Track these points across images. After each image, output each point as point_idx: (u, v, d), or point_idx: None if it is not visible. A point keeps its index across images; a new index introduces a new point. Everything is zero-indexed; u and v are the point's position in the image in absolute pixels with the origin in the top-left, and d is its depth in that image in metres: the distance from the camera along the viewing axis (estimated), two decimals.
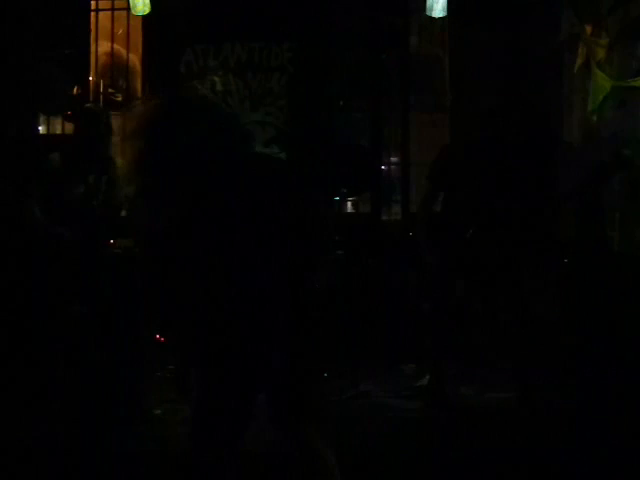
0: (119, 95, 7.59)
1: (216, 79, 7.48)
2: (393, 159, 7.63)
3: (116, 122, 7.33)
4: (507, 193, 5.18)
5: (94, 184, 5.28)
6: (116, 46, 7.60)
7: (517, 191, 5.24)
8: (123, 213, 5.53)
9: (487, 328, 5.63)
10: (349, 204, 7.33)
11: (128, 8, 6.96)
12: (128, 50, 7.59)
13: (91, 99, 7.42)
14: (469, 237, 5.16)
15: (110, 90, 7.57)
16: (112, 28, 7.53)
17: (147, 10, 6.51)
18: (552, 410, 5.10)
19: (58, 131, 7.36)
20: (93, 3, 7.52)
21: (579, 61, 6.65)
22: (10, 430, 4.71)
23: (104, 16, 7.53)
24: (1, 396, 5.13)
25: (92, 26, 7.49)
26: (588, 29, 6.57)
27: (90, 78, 7.56)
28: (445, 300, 5.30)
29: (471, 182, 5.16)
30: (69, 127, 6.83)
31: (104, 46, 7.59)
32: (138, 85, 7.65)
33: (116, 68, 7.63)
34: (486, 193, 5.14)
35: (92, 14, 7.51)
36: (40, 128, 7.47)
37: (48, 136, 7.34)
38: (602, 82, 6.27)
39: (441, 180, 5.34)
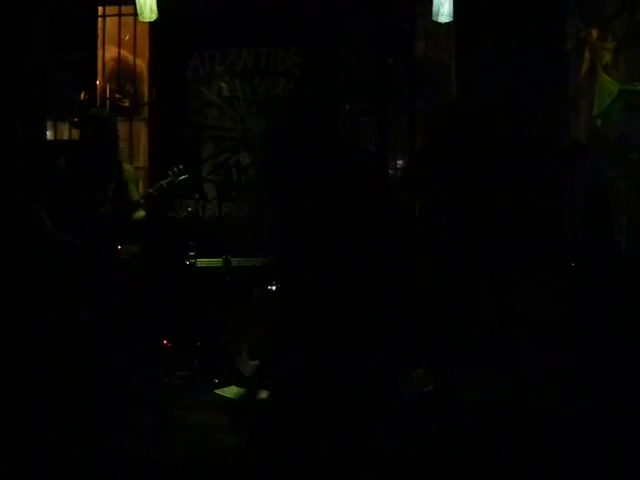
0: (126, 100, 7.60)
1: (223, 84, 7.49)
2: (399, 163, 7.63)
3: (123, 127, 7.41)
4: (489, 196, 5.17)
5: (102, 190, 5.29)
6: (123, 51, 7.60)
7: (511, 192, 5.23)
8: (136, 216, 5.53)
9: (480, 330, 5.61)
10: None
11: (135, 14, 6.97)
12: (135, 55, 7.59)
13: (98, 104, 7.43)
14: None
15: (117, 95, 7.58)
16: (119, 33, 7.54)
17: (154, 17, 6.52)
18: (550, 412, 5.11)
19: (65, 136, 7.39)
20: (100, 9, 7.52)
21: (585, 65, 6.65)
22: (20, 435, 4.73)
23: (111, 22, 7.54)
24: (10, 401, 5.16)
25: (99, 31, 7.50)
26: (594, 33, 6.58)
27: (97, 83, 7.56)
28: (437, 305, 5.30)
29: (445, 186, 5.16)
30: (76, 132, 6.85)
31: (111, 51, 7.59)
32: (145, 90, 7.66)
33: (123, 73, 7.63)
34: (465, 196, 5.12)
35: (99, 20, 7.52)
36: (47, 133, 7.49)
37: (55, 141, 7.36)
38: (609, 86, 6.27)
39: (415, 185, 5.35)
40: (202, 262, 6.42)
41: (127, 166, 5.63)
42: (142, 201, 5.33)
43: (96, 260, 5.16)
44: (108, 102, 7.53)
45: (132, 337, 5.42)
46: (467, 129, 5.25)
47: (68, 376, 5.12)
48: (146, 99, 7.63)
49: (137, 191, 5.56)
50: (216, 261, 6.44)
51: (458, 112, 5.41)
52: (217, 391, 5.98)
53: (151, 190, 5.46)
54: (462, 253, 5.11)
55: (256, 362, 6.01)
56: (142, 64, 7.64)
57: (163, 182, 5.49)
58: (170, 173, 5.52)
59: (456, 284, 5.21)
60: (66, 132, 7.35)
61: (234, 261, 6.43)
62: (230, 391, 5.94)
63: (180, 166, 5.57)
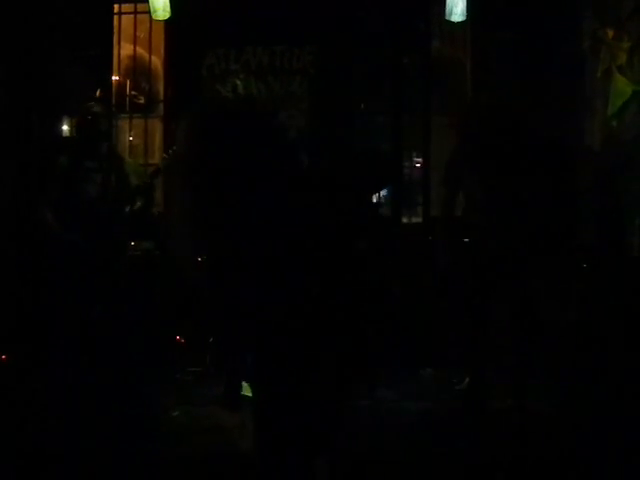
0: (141, 97, 7.64)
1: (238, 82, 7.50)
2: (414, 162, 7.62)
3: (138, 124, 7.46)
4: (517, 193, 5.12)
5: (101, 184, 5.33)
6: (139, 49, 7.64)
7: (527, 192, 5.18)
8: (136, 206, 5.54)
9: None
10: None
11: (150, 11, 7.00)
12: (150, 53, 7.63)
13: (113, 101, 7.49)
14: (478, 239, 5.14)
15: (132, 92, 7.61)
16: (135, 31, 7.58)
17: (167, 15, 6.55)
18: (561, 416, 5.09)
19: None
20: (116, 6, 7.56)
21: (602, 65, 6.60)
22: (24, 432, 4.76)
23: (127, 19, 7.58)
24: (18, 398, 5.21)
25: (115, 29, 7.53)
26: (610, 33, 6.53)
27: (113, 80, 7.60)
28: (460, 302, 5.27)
29: (482, 182, 5.12)
30: None
31: (127, 49, 7.63)
32: (160, 88, 7.68)
33: (138, 71, 7.66)
34: (497, 193, 5.09)
35: (115, 17, 7.55)
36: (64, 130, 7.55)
37: (65, 138, 7.41)
38: (623, 87, 6.24)
39: (454, 182, 5.30)
40: None
41: (128, 159, 5.67)
42: (140, 184, 5.38)
43: (101, 256, 5.19)
44: (127, 99, 7.58)
45: (143, 333, 5.44)
46: (498, 125, 5.24)
47: (77, 373, 5.17)
48: (161, 96, 7.66)
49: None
50: None
51: (489, 108, 5.40)
52: None
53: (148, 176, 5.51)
54: (497, 251, 5.08)
55: None
56: (157, 61, 7.66)
57: (160, 164, 5.54)
58: (165, 155, 5.56)
59: (491, 282, 5.18)
60: None
61: None
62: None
63: (174, 147, 5.59)
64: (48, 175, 5.35)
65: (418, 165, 7.58)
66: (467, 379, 5.44)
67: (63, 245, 5.16)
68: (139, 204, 5.38)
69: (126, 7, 7.56)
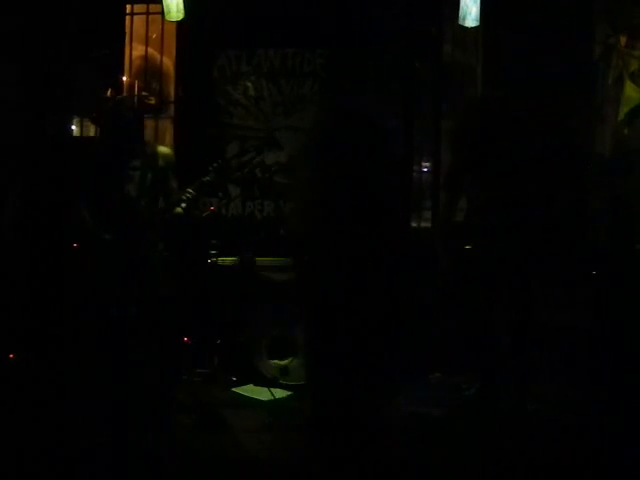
0: (152, 98, 7.63)
1: (249, 84, 7.51)
2: (424, 166, 7.61)
3: (149, 125, 7.45)
4: (519, 197, 5.12)
5: (136, 182, 5.28)
6: (150, 49, 7.63)
7: (528, 195, 5.17)
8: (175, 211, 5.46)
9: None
10: None
11: (163, 12, 7.01)
12: (162, 54, 7.63)
13: None
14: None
15: (143, 93, 7.61)
16: (146, 32, 7.58)
17: (181, 16, 6.56)
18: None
19: (91, 133, 7.44)
20: (128, 7, 7.57)
21: (614, 72, 6.62)
22: (32, 430, 4.77)
23: (139, 20, 7.59)
24: (26, 396, 5.22)
25: (127, 30, 7.54)
26: (622, 40, 6.54)
27: (124, 81, 7.60)
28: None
29: (483, 185, 5.12)
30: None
31: (138, 49, 7.63)
32: (171, 89, 7.68)
33: (150, 71, 7.67)
34: (498, 196, 5.09)
35: (127, 18, 7.56)
36: (73, 129, 7.56)
37: (84, 138, 7.43)
38: (632, 93, 6.25)
39: (455, 185, 5.31)
40: (224, 261, 6.45)
41: (163, 149, 5.55)
42: (184, 197, 5.29)
43: (132, 256, 5.16)
44: (138, 100, 7.58)
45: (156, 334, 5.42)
46: (499, 127, 5.23)
47: (90, 370, 5.19)
48: (172, 97, 7.66)
49: (174, 179, 5.47)
50: (238, 260, 6.48)
51: (489, 111, 5.39)
52: (235, 389, 6.01)
53: (191, 190, 5.36)
54: (500, 255, 5.08)
55: (275, 361, 6.07)
56: (169, 62, 7.66)
57: (204, 179, 5.42)
58: (210, 169, 5.45)
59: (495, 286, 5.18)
60: (92, 128, 7.40)
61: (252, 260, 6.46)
62: (248, 389, 5.97)
63: (219, 160, 5.52)
64: (87, 174, 5.32)
65: (428, 169, 7.58)
66: (477, 384, 5.43)
67: (96, 243, 5.14)
68: (176, 212, 5.33)
69: (138, 7, 7.56)
